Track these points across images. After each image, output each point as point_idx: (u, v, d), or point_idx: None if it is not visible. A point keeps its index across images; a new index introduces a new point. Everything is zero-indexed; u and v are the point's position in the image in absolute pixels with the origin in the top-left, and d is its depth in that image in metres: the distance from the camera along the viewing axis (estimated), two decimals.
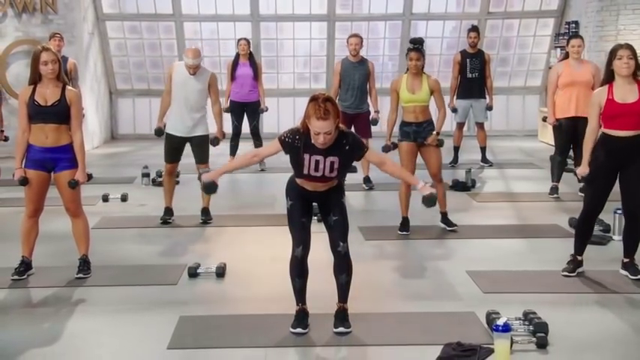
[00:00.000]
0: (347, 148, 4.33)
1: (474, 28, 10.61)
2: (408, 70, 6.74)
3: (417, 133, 6.68)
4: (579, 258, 5.56)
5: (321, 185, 4.41)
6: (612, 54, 5.31)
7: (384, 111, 12.15)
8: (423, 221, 7.00)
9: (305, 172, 4.35)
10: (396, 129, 7.01)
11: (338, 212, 4.44)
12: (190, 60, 7.05)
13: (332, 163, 4.32)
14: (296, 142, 4.30)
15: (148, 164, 9.60)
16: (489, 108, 10.56)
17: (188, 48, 7.29)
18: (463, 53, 10.45)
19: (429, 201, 4.42)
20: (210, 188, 4.45)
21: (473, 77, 10.24)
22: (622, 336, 4.45)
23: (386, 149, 6.75)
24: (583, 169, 5.43)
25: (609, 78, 5.33)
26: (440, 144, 6.77)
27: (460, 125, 10.55)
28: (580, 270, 5.55)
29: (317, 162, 4.30)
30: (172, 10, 13.77)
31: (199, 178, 4.46)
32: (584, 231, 5.56)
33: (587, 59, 8.75)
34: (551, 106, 8.29)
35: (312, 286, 4.61)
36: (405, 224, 6.86)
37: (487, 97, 10.49)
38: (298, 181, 4.43)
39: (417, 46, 6.64)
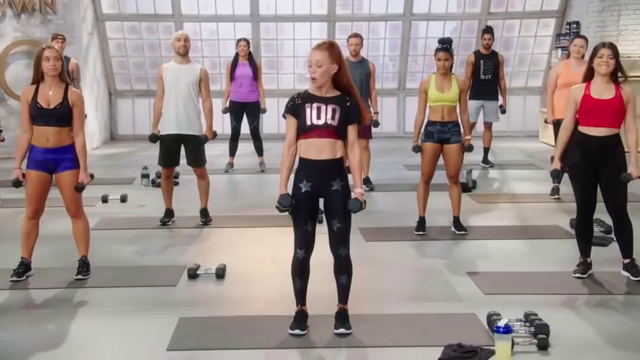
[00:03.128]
0: (348, 104, 4.36)
1: (489, 30, 10.54)
2: (436, 70, 6.73)
3: (441, 133, 6.65)
4: (588, 260, 5.56)
5: (325, 144, 4.34)
6: (594, 52, 5.38)
7: (384, 112, 12.25)
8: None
9: (308, 123, 4.32)
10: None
11: (342, 220, 4.41)
12: (180, 31, 7.25)
13: (334, 110, 4.34)
14: (296, 102, 4.36)
15: (147, 165, 9.61)
16: (503, 111, 10.55)
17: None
18: (477, 54, 10.42)
19: (354, 204, 4.36)
20: (287, 199, 4.35)
21: (486, 79, 10.20)
22: (623, 337, 4.45)
23: (417, 150, 6.73)
24: (555, 164, 5.50)
25: (589, 76, 5.39)
26: (469, 149, 6.75)
27: (472, 125, 10.53)
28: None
29: (319, 108, 4.33)
30: (172, 11, 13.78)
31: (277, 205, 4.42)
32: (583, 232, 5.58)
33: (587, 60, 8.73)
34: (550, 105, 8.30)
35: (313, 287, 4.61)
36: (421, 224, 6.87)
37: (500, 98, 10.47)
38: (303, 148, 4.37)
39: (445, 46, 6.64)
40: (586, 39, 8.43)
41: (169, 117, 7.11)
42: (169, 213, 7.36)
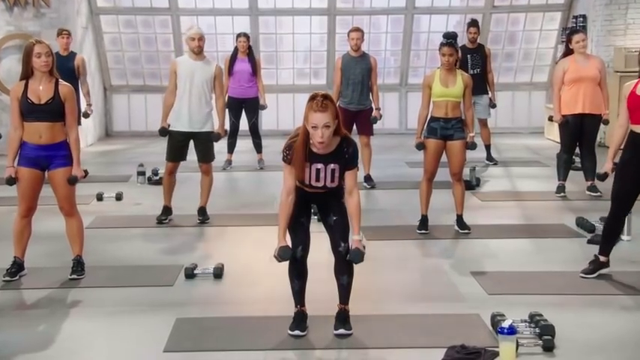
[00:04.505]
0: (346, 156, 4.36)
1: (474, 23, 10.57)
2: (440, 65, 6.71)
3: (445, 129, 6.64)
4: (602, 259, 5.51)
5: (321, 190, 4.44)
6: None
7: (385, 108, 12.23)
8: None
9: (306, 181, 4.37)
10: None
11: (337, 212, 4.46)
12: (194, 30, 7.30)
13: (333, 171, 4.35)
14: (292, 144, 4.33)
15: (143, 162, 9.59)
16: (493, 106, 10.54)
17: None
18: (463, 49, 10.38)
19: (355, 255, 4.35)
20: (287, 252, 4.35)
21: (474, 73, 10.17)
22: (631, 339, 4.45)
23: (420, 147, 6.73)
24: (607, 165, 5.41)
25: None
26: (472, 147, 6.75)
27: None
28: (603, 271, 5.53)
29: (318, 171, 4.33)
30: (168, 4, 13.76)
31: (277, 256, 4.38)
32: (612, 231, 5.53)
33: (595, 54, 8.75)
34: (557, 104, 8.28)
35: (312, 286, 4.62)
36: (424, 223, 6.86)
37: (489, 92, 10.47)
38: (298, 184, 4.44)
39: (450, 40, 6.61)
40: (584, 32, 8.40)
41: (182, 113, 7.13)
42: (167, 211, 7.37)
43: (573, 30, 9.16)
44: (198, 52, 7.16)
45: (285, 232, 4.39)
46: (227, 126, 10.34)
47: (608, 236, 5.56)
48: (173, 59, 7.49)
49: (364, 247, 4.40)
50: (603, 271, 5.56)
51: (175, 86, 7.14)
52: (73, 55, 9.62)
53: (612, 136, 5.42)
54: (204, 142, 7.21)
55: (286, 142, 4.38)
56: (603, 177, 5.55)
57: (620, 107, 5.44)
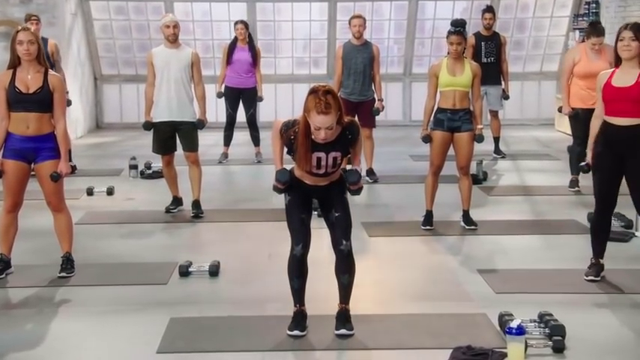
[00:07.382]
0: (349, 137, 4.38)
1: (489, 9, 10.58)
2: (447, 54, 6.72)
3: (452, 121, 6.64)
4: (601, 261, 5.46)
5: (322, 180, 4.44)
6: (617, 35, 5.27)
7: (389, 99, 12.24)
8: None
9: (306, 168, 4.37)
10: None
11: (340, 208, 4.46)
12: (168, 18, 7.39)
13: (335, 159, 4.37)
14: (291, 137, 4.33)
15: (135, 155, 9.61)
16: (506, 97, 10.53)
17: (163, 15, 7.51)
18: (477, 36, 10.40)
19: (351, 174, 4.38)
20: (284, 174, 4.39)
21: (488, 62, 10.16)
22: None
23: (426, 139, 6.72)
24: (588, 157, 5.42)
25: (617, 61, 5.30)
26: (480, 139, 6.75)
27: None
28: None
29: (319, 159, 4.34)
30: None
31: (275, 183, 4.43)
32: (599, 230, 5.46)
33: (608, 42, 8.67)
34: (565, 94, 8.25)
35: (312, 285, 4.62)
36: (429, 219, 6.87)
37: (502, 83, 10.46)
38: (297, 174, 4.45)
39: (458, 28, 6.61)
40: (603, 34, 8.30)
41: (162, 104, 7.26)
42: (176, 201, 7.52)
43: (593, 31, 8.76)
44: (173, 40, 7.27)
45: (280, 159, 4.45)
46: (224, 118, 10.42)
47: (598, 236, 5.46)
48: (150, 51, 7.58)
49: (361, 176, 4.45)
50: (615, 268, 5.55)
51: (154, 77, 7.27)
52: (44, 41, 9.59)
53: (591, 127, 5.42)
54: (188, 131, 7.32)
55: (286, 124, 4.38)
56: (588, 169, 5.47)
57: (597, 97, 5.39)
